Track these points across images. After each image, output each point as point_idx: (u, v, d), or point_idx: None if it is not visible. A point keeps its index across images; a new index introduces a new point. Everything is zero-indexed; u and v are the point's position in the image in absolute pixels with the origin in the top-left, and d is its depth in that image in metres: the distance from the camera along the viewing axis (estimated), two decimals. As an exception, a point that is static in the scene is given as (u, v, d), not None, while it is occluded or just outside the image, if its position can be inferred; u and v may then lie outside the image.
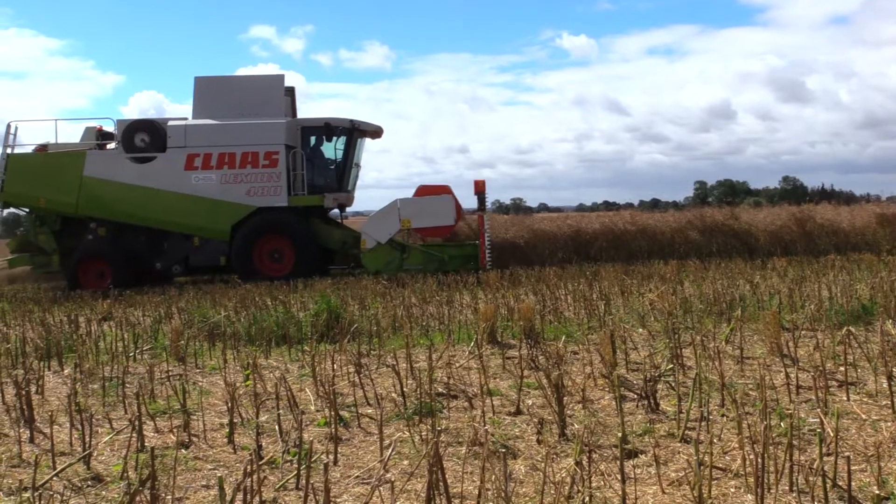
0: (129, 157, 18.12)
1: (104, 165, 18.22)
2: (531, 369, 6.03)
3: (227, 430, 4.76)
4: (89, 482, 4.08)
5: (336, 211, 19.96)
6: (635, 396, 5.21)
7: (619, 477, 3.67)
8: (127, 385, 6.08)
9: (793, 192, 60.41)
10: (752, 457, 3.40)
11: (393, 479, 3.73)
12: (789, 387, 5.22)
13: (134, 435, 4.46)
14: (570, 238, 19.72)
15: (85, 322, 9.82)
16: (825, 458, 3.63)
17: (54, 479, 3.98)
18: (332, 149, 19.08)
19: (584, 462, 3.58)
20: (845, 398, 5.02)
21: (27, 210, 19.00)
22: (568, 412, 4.82)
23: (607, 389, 5.50)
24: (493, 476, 3.59)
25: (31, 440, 4.89)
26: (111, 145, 18.96)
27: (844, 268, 13.12)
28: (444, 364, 6.26)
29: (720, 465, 3.88)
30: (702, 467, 3.44)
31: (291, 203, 18.18)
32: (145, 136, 18.15)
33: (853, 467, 3.49)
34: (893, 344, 5.61)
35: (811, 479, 3.43)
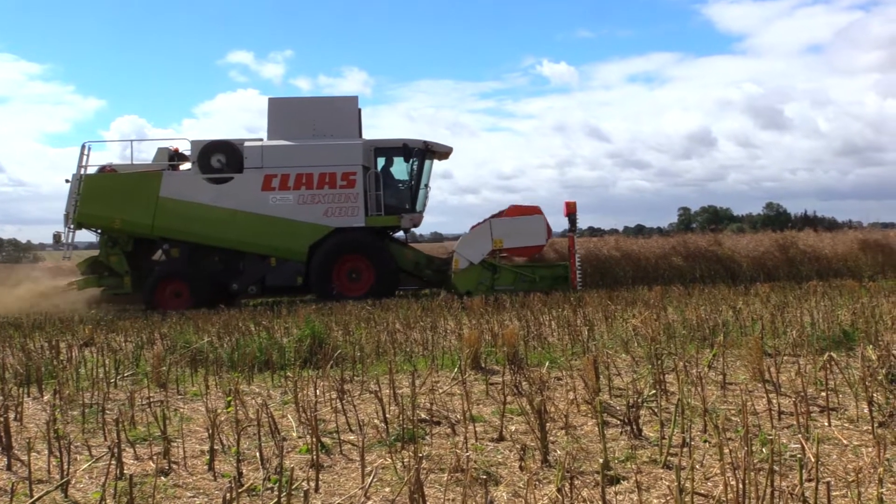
0: (206, 177, 18.17)
1: (180, 186, 18.26)
2: (514, 395, 6.02)
3: (208, 457, 4.72)
4: (66, 510, 4.03)
5: (400, 233, 20.00)
6: (618, 422, 5.21)
7: (601, 503, 3.67)
8: (107, 412, 6.02)
9: (776, 218, 60.90)
10: (733, 483, 3.40)
11: (374, 507, 3.70)
12: (771, 412, 5.23)
13: (113, 462, 4.41)
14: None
15: (66, 348, 9.73)
16: (806, 484, 3.64)
17: (31, 507, 3.93)
18: (403, 169, 19.16)
19: (566, 489, 3.57)
20: (826, 424, 5.04)
21: (99, 231, 18.82)
22: (551, 438, 4.81)
23: (590, 415, 5.49)
24: (475, 503, 3.57)
25: (9, 467, 4.83)
26: (184, 166, 18.98)
27: (826, 294, 13.20)
28: (427, 390, 6.24)
29: (702, 492, 3.88)
30: (683, 494, 3.43)
31: (369, 223, 18.30)
32: (222, 157, 18.24)
33: (834, 493, 3.50)
34: (874, 369, 5.64)
35: (792, 505, 3.43)
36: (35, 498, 4.00)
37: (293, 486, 3.62)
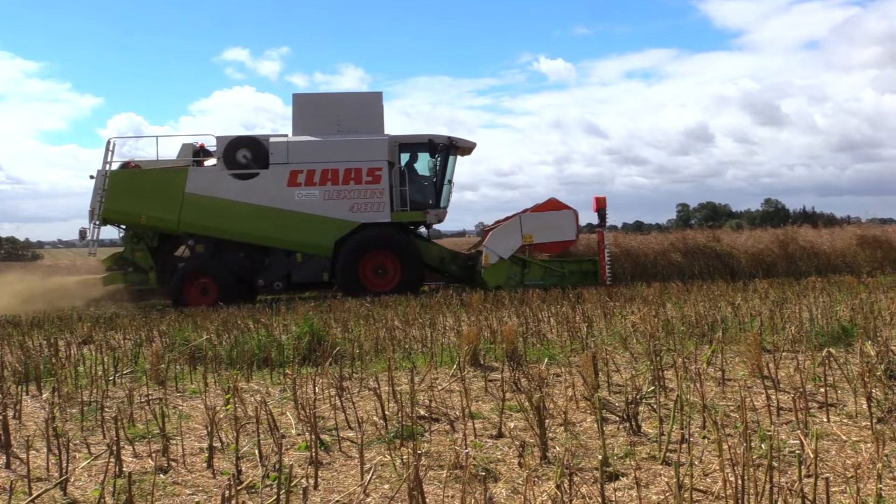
0: (231, 173, 18.19)
1: (206, 182, 18.30)
2: (513, 392, 6.02)
3: (207, 455, 4.72)
4: (65, 508, 4.03)
5: (423, 229, 20.06)
6: (617, 419, 5.21)
7: (599, 500, 3.67)
8: (106, 409, 6.02)
9: (774, 214, 61.00)
10: (732, 479, 3.41)
11: (373, 504, 3.70)
12: (770, 408, 5.24)
13: (112, 460, 4.41)
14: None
15: (64, 345, 9.73)
16: (805, 480, 3.64)
17: (30, 505, 3.93)
18: (427, 165, 19.22)
19: (565, 485, 3.57)
20: (825, 419, 5.04)
21: (124, 227, 18.84)
22: (550, 435, 4.81)
23: (589, 412, 5.49)
24: (474, 500, 3.57)
25: (7, 465, 4.83)
26: (209, 162, 18.99)
27: (825, 290, 13.21)
28: (426, 387, 6.24)
29: (701, 488, 3.88)
30: (682, 490, 3.44)
31: (394, 219, 18.34)
32: (247, 153, 18.25)
33: (833, 489, 3.50)
34: (873, 365, 5.64)
35: (791, 500, 3.43)
36: (34, 496, 4.00)
37: (292, 484, 3.62)
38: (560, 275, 17.52)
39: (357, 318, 11.85)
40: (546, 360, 7.15)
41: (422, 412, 5.59)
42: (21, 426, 5.85)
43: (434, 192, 18.98)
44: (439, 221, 19.66)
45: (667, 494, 3.77)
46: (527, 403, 5.01)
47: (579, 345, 8.25)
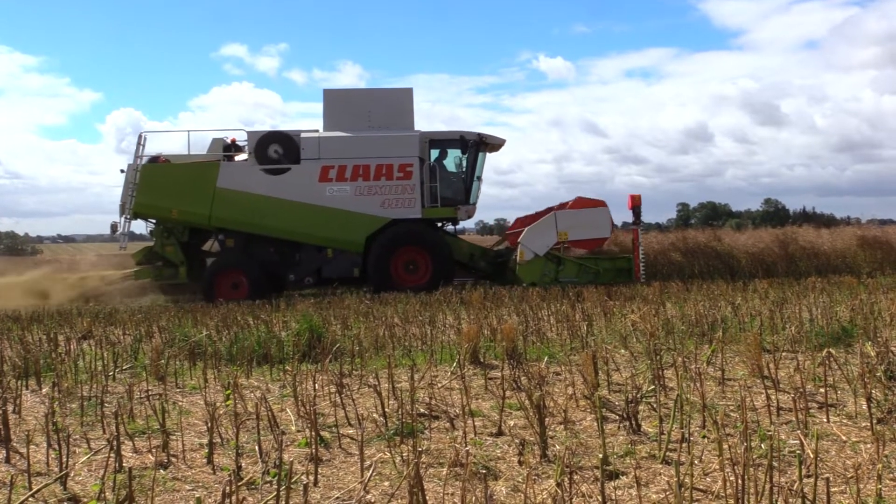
0: (263, 168, 18.19)
1: (237, 177, 18.30)
2: (513, 390, 6.02)
3: (207, 451, 4.72)
4: (66, 503, 4.03)
5: (450, 225, 20.08)
6: (617, 418, 5.22)
7: (600, 499, 3.67)
8: (106, 405, 6.02)
9: (775, 214, 60.99)
10: (732, 478, 3.41)
11: (373, 501, 3.70)
12: (770, 408, 5.24)
13: (112, 455, 4.41)
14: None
15: (64, 340, 9.73)
16: (805, 480, 3.64)
17: (30, 499, 3.93)
18: (456, 161, 19.25)
19: (565, 483, 3.57)
20: (825, 420, 5.04)
21: (154, 221, 18.86)
22: (549, 433, 4.81)
23: (589, 410, 5.49)
24: (474, 497, 3.57)
25: (7, 460, 4.83)
26: (240, 157, 19.00)
27: (825, 290, 13.21)
28: (426, 384, 6.24)
29: (701, 487, 3.88)
30: (682, 489, 3.44)
31: (425, 215, 18.39)
32: (279, 148, 18.27)
33: (833, 489, 3.50)
34: (873, 366, 5.64)
35: (791, 500, 3.43)
36: (34, 490, 4.00)
37: (292, 480, 3.62)
38: (594, 272, 17.56)
39: (357, 314, 11.85)
40: (546, 359, 7.14)
41: (422, 410, 5.59)
42: (21, 421, 5.85)
43: (464, 189, 19.02)
44: (469, 218, 19.73)
45: (667, 493, 3.78)
46: (527, 402, 5.01)
47: (579, 343, 8.25)
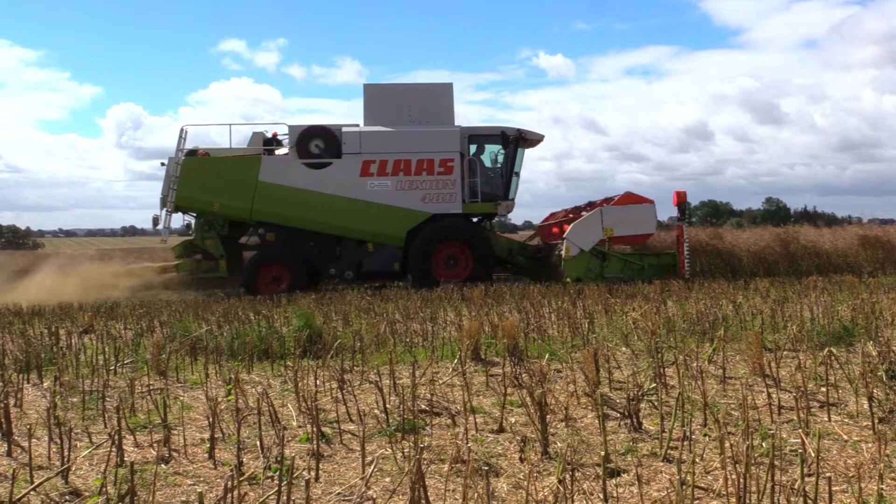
0: (304, 162, 18.28)
1: (279, 171, 18.38)
2: (514, 387, 6.02)
3: (208, 446, 4.72)
4: (67, 497, 4.04)
5: (485, 221, 20.07)
6: (618, 415, 5.22)
7: (601, 496, 3.68)
8: (107, 399, 6.02)
9: (776, 213, 60.86)
10: (734, 477, 3.41)
11: (375, 497, 3.71)
12: (771, 407, 5.24)
13: (113, 449, 4.41)
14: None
15: (65, 335, 9.73)
16: (806, 479, 3.64)
17: (32, 493, 3.93)
18: (492, 157, 19.31)
19: (566, 480, 3.57)
20: (826, 419, 5.04)
21: (195, 215, 18.90)
22: (551, 430, 4.81)
23: (590, 408, 5.49)
24: (476, 494, 3.57)
25: (9, 453, 4.83)
26: (280, 151, 19.05)
27: (826, 289, 13.20)
28: (427, 381, 6.24)
29: (702, 485, 3.88)
30: (684, 487, 3.44)
31: (466, 210, 18.49)
32: (320, 142, 18.37)
33: (834, 488, 3.50)
34: (874, 365, 5.64)
35: (792, 499, 3.43)
36: (36, 484, 4.01)
37: (294, 476, 3.62)
38: (639, 268, 17.59)
39: (358, 311, 11.85)
40: (547, 356, 7.15)
41: (423, 406, 5.59)
42: (22, 414, 5.86)
43: (504, 184, 19.07)
44: (508, 213, 19.80)
45: (668, 491, 3.77)
46: (528, 399, 5.02)
47: (580, 341, 8.25)
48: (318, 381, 6.38)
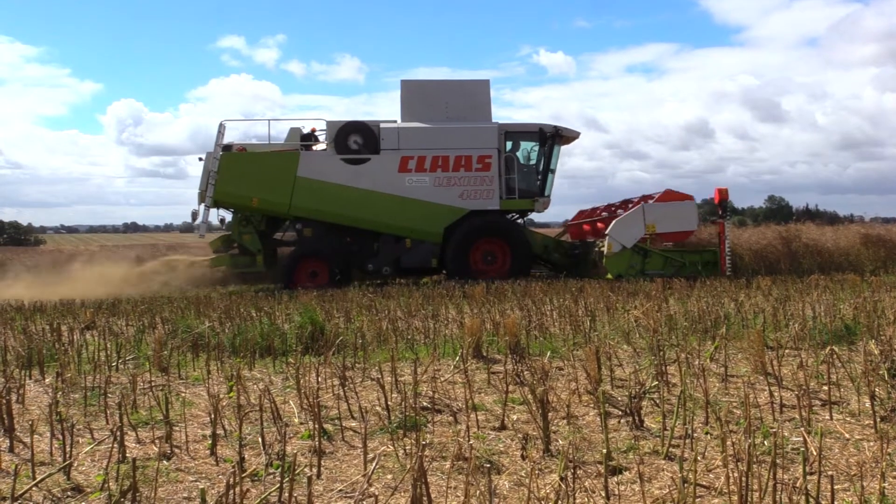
0: (342, 158, 18.38)
1: (317, 166, 18.48)
2: (516, 384, 6.02)
3: (210, 442, 4.72)
4: (69, 493, 4.04)
5: (518, 218, 20.20)
6: (620, 413, 5.22)
7: (603, 493, 3.67)
8: (109, 395, 6.03)
9: (778, 211, 60.83)
10: (735, 475, 3.41)
11: (376, 494, 3.70)
12: (773, 405, 5.23)
13: (115, 445, 4.42)
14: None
15: (67, 331, 9.74)
16: (808, 477, 3.64)
17: (34, 489, 3.94)
18: (525, 154, 19.41)
19: (568, 478, 3.57)
20: (828, 417, 5.04)
21: (232, 210, 18.98)
22: (553, 428, 4.81)
23: (592, 405, 5.49)
24: (478, 491, 3.58)
25: (11, 449, 4.84)
26: (318, 146, 19.16)
27: (828, 288, 13.19)
28: (428, 378, 6.24)
29: (704, 483, 3.88)
30: (686, 485, 3.44)
31: (503, 207, 18.63)
32: (358, 138, 18.47)
33: (836, 486, 3.50)
34: (876, 364, 5.64)
35: (794, 497, 3.43)
36: (38, 480, 4.01)
37: (296, 472, 3.62)
38: (680, 265, 17.62)
39: (360, 308, 11.85)
40: (549, 354, 7.14)
41: (425, 403, 5.59)
42: (24, 410, 5.86)
43: (540, 181, 19.11)
44: (544, 210, 19.82)
45: (670, 489, 3.77)
46: (530, 396, 5.02)
47: (582, 338, 8.25)
48: (319, 378, 6.38)
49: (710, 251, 18.06)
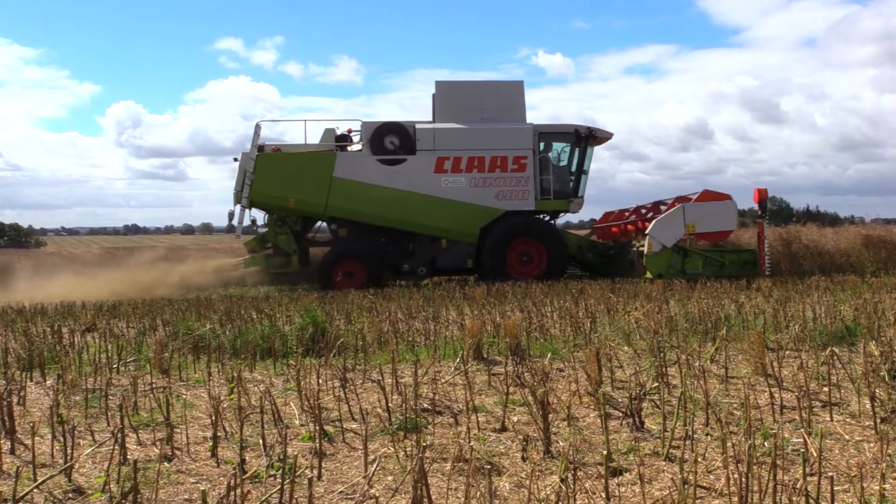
0: (378, 158, 18.41)
1: (353, 167, 18.51)
2: (517, 386, 6.02)
3: (211, 444, 4.73)
4: (70, 495, 4.05)
5: (550, 218, 20.21)
6: (620, 414, 5.22)
7: (603, 495, 3.68)
8: (110, 397, 6.03)
9: (778, 212, 60.74)
10: (736, 476, 3.41)
11: (377, 495, 3.71)
12: (773, 406, 5.24)
13: (116, 447, 4.42)
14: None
15: (68, 333, 9.75)
16: (808, 479, 3.64)
17: (35, 490, 3.94)
18: (555, 154, 19.43)
19: (568, 479, 3.57)
20: (829, 418, 5.04)
21: (268, 210, 19.04)
22: (553, 429, 4.82)
23: (592, 407, 5.50)
24: (478, 493, 3.58)
25: (12, 451, 4.84)
26: (353, 147, 19.20)
27: (829, 289, 13.20)
28: (429, 380, 6.25)
29: (704, 485, 3.88)
30: (686, 486, 3.44)
31: (539, 207, 18.69)
32: (394, 139, 18.51)
33: (836, 488, 3.50)
34: (876, 365, 5.64)
35: (794, 499, 3.44)
36: (39, 482, 4.01)
37: (297, 474, 3.63)
38: (719, 264, 17.61)
39: (360, 309, 11.86)
40: (549, 355, 7.15)
41: (425, 405, 5.60)
42: (25, 412, 5.87)
43: (574, 182, 19.15)
44: (579, 210, 19.90)
45: (670, 490, 3.77)
46: (530, 398, 5.02)
47: (583, 340, 8.25)
48: (320, 380, 6.39)
49: (749, 251, 18.05)
